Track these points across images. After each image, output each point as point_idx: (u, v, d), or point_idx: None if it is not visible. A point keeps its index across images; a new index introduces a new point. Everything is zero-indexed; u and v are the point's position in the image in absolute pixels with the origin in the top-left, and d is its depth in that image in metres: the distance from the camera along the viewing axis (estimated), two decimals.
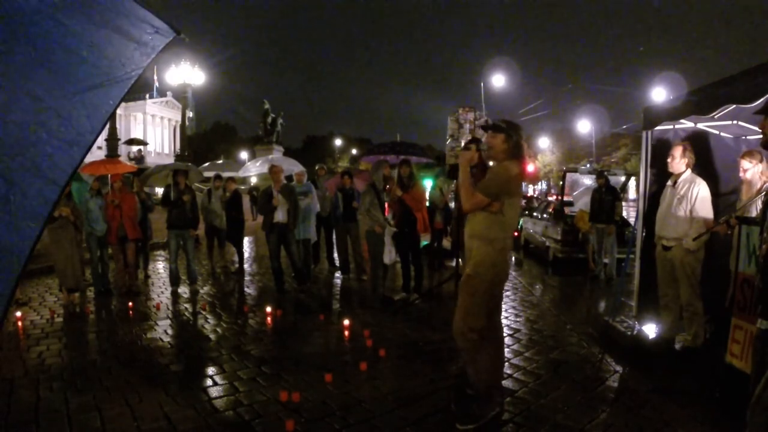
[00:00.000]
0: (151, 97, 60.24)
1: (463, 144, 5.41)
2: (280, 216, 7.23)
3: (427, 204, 8.72)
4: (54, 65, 1.45)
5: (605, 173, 9.29)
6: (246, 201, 19.06)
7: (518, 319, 6.00)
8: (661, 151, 5.20)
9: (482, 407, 3.32)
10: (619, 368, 4.36)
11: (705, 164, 4.94)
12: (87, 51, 1.49)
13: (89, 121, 1.48)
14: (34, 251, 1.43)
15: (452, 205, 9.71)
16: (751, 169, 4.27)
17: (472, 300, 3.30)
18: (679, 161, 4.55)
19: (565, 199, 10.83)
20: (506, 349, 4.73)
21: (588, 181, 11.28)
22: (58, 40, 1.44)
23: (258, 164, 11.63)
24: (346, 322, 5.35)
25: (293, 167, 10.19)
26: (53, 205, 1.44)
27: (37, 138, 1.41)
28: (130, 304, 6.54)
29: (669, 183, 4.70)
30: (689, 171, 4.54)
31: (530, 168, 3.54)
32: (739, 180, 4.55)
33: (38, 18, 1.41)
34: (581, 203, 9.69)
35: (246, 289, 8.01)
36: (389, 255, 6.78)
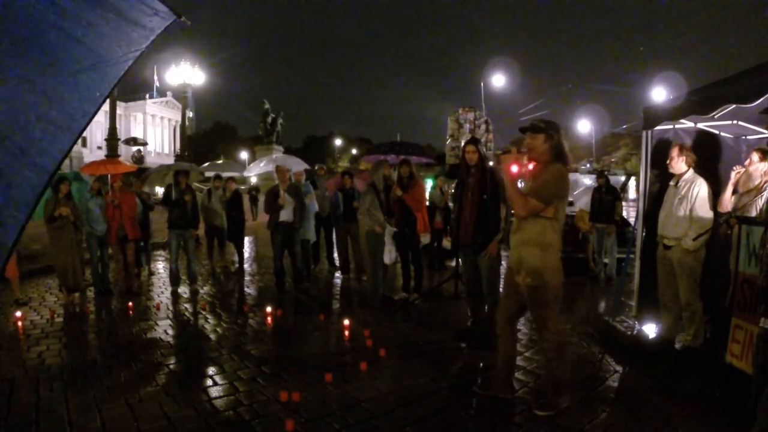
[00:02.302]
0: (151, 97, 60.26)
1: (462, 143, 5.39)
2: (286, 215, 7.24)
3: (427, 204, 8.71)
4: (46, 45, 1.36)
5: (605, 173, 9.29)
6: (246, 201, 19.10)
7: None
8: (662, 151, 5.20)
9: (558, 397, 3.47)
10: (619, 368, 4.36)
11: (705, 164, 4.93)
12: (81, 31, 1.41)
13: (82, 104, 1.39)
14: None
15: (451, 205, 9.70)
16: (756, 164, 4.27)
17: (549, 311, 3.41)
18: (677, 161, 4.55)
19: None
20: None
21: (588, 180, 11.30)
22: (50, 19, 1.35)
23: (263, 164, 11.59)
24: (346, 322, 5.35)
25: (298, 166, 10.15)
26: (41, 193, 1.35)
27: (25, 121, 1.33)
28: (130, 304, 6.54)
29: (671, 183, 4.70)
30: (691, 170, 4.54)
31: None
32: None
33: None
34: (581, 203, 9.69)
35: (246, 289, 8.01)
36: (389, 255, 6.78)
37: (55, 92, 1.38)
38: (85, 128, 1.43)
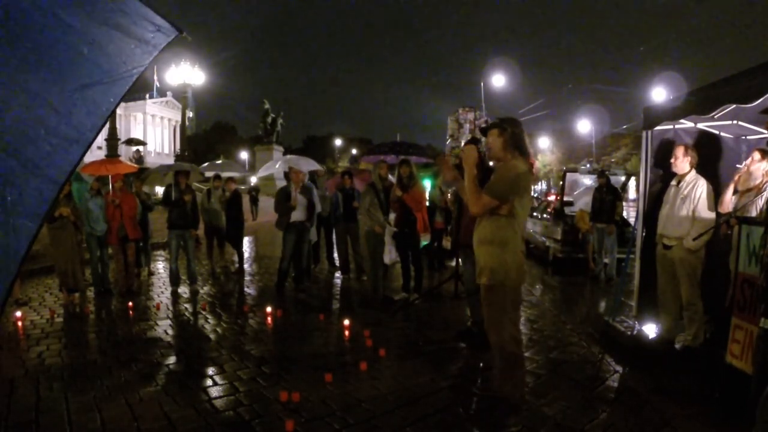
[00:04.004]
0: (151, 97, 60.22)
1: (462, 143, 5.39)
2: (298, 215, 7.26)
3: (427, 204, 8.72)
4: (54, 62, 1.43)
5: (606, 173, 9.29)
6: (246, 201, 19.10)
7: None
8: (661, 150, 5.20)
9: (506, 417, 3.30)
10: (619, 368, 4.36)
11: (705, 164, 4.93)
12: (87, 48, 1.47)
13: (89, 118, 1.46)
14: (31, 250, 1.41)
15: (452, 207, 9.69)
16: (757, 163, 4.27)
17: (503, 312, 3.23)
18: (682, 161, 4.56)
19: (565, 199, 10.84)
20: None
21: (588, 181, 11.27)
22: (58, 36, 1.41)
23: (278, 165, 11.58)
24: (346, 322, 5.35)
25: (311, 166, 10.14)
26: (51, 203, 1.41)
27: (35, 135, 1.39)
28: (130, 304, 6.54)
29: (673, 183, 4.71)
30: (693, 171, 4.56)
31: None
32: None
33: (38, 14, 1.39)
34: (581, 203, 9.69)
35: (246, 289, 8.01)
36: (389, 255, 6.77)
37: (63, 107, 1.44)
38: (93, 141, 1.49)
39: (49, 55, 1.42)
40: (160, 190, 16.55)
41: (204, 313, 6.33)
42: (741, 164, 4.61)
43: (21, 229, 1.35)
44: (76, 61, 1.46)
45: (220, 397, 3.76)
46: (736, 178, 4.45)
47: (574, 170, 12.27)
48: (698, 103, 4.07)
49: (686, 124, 5.26)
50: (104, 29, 1.50)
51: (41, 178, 1.39)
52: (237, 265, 9.45)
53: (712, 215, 4.41)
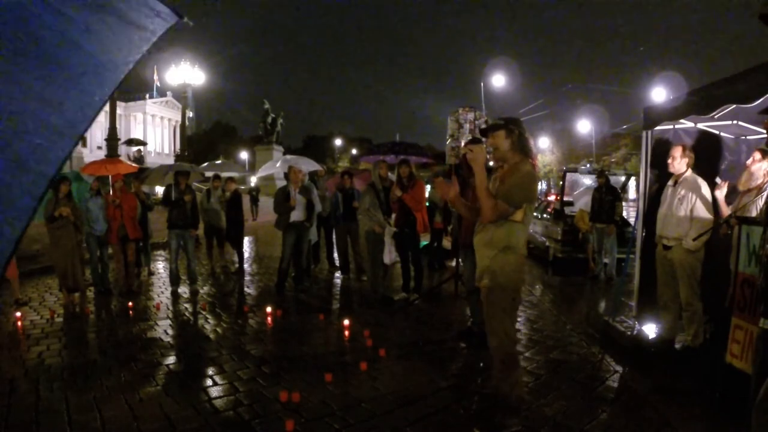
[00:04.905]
0: (151, 97, 60.18)
1: (463, 143, 5.39)
2: (297, 215, 7.26)
3: (427, 204, 8.71)
4: (43, 51, 1.35)
5: (606, 172, 9.29)
6: (246, 201, 19.10)
7: (518, 319, 5.99)
8: (662, 151, 5.20)
9: (507, 416, 3.29)
10: (619, 368, 4.36)
11: (705, 164, 4.93)
12: (80, 35, 1.38)
13: (82, 109, 1.38)
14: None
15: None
16: (758, 162, 4.27)
17: (504, 313, 3.24)
18: (679, 161, 4.57)
19: (565, 199, 10.84)
20: None
21: (588, 181, 11.27)
22: (48, 23, 1.34)
23: (278, 164, 11.55)
24: (346, 322, 5.35)
25: (311, 167, 10.14)
26: (40, 198, 1.34)
27: (23, 128, 1.31)
28: (130, 304, 6.54)
29: (670, 183, 4.71)
30: (690, 171, 4.56)
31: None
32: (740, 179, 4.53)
33: (26, 0, 1.33)
34: (581, 203, 9.69)
35: (246, 289, 8.02)
36: (389, 255, 6.77)
37: (54, 98, 1.37)
38: (85, 132, 1.43)
39: (39, 44, 1.34)
40: (160, 190, 16.54)
41: (204, 313, 6.33)
42: (740, 165, 4.61)
43: (6, 227, 1.29)
44: (68, 49, 1.37)
45: (220, 397, 3.76)
46: (721, 196, 4.45)
47: (574, 170, 12.25)
48: (698, 103, 4.07)
49: (686, 124, 5.26)
50: (99, 15, 1.41)
51: (30, 174, 1.32)
52: (237, 265, 9.45)
53: (711, 215, 4.41)
